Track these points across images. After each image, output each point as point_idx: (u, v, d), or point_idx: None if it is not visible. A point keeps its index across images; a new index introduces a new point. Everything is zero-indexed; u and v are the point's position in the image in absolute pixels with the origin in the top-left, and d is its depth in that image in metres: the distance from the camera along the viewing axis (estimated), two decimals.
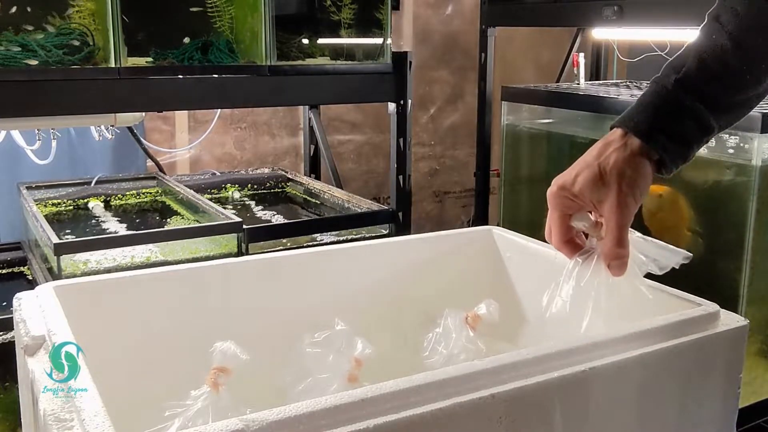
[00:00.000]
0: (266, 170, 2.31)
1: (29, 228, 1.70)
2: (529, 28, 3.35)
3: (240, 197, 2.14)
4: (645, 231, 1.56)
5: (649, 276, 0.82)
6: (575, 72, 2.44)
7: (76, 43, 1.50)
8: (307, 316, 0.94)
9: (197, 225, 1.69)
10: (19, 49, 1.44)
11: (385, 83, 1.88)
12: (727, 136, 1.55)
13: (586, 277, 0.81)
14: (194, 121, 2.89)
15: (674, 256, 0.81)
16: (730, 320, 0.81)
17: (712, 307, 0.82)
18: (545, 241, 0.85)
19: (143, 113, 2.02)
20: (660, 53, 2.43)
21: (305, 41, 1.89)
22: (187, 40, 1.68)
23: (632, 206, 0.76)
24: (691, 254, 0.82)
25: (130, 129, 2.06)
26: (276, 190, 2.25)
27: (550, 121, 2.25)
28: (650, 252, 0.81)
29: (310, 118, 2.38)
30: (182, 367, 0.84)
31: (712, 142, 1.58)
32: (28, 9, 1.50)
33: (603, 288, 0.80)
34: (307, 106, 2.38)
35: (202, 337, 0.82)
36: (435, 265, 1.10)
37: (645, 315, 0.80)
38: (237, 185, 2.18)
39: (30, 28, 1.50)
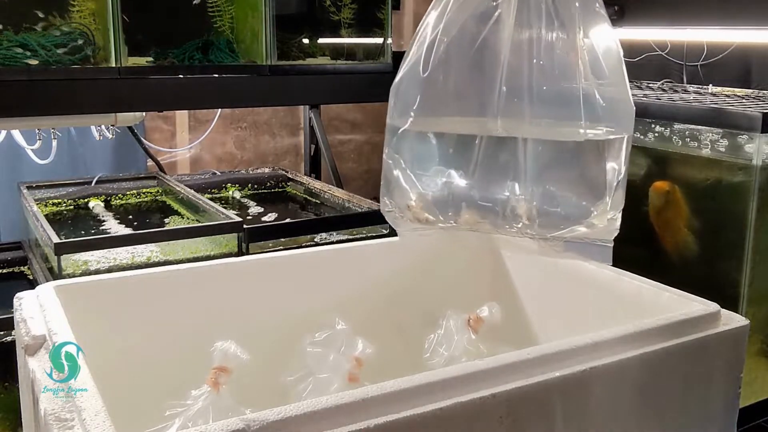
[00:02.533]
0: (267, 170, 2.31)
1: (29, 228, 1.70)
2: None
3: (240, 197, 2.14)
4: (651, 228, 1.55)
5: (648, 275, 0.81)
6: None
7: (77, 43, 1.50)
8: (307, 316, 0.94)
9: (197, 225, 1.69)
10: (20, 48, 1.44)
11: (385, 83, 1.87)
12: (728, 135, 1.54)
13: None
14: (195, 120, 2.89)
15: None
16: (731, 320, 0.81)
17: (712, 306, 0.82)
18: None
19: (143, 113, 2.02)
20: (660, 53, 2.43)
21: (305, 41, 1.88)
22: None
23: None
24: None
25: (130, 129, 2.06)
26: (276, 189, 2.24)
27: None
28: None
29: (310, 118, 2.38)
30: (182, 367, 0.84)
31: (713, 141, 1.58)
32: (28, 9, 1.50)
33: None
34: (307, 106, 2.38)
35: (202, 337, 0.82)
36: (435, 265, 1.10)
37: (645, 315, 0.80)
38: (237, 185, 2.18)
39: (37, 27, 1.50)
